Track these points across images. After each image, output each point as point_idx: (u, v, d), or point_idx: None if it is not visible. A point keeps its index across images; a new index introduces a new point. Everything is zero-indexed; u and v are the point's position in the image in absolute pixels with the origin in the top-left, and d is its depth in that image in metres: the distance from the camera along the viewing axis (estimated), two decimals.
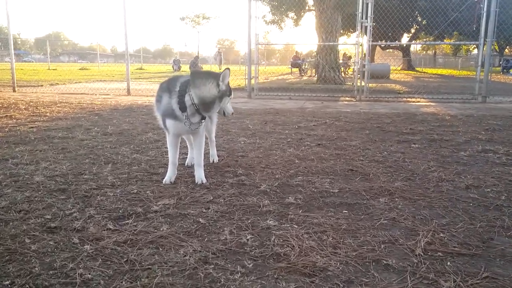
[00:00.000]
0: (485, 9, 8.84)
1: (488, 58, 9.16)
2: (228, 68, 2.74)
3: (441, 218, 2.39)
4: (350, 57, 24.72)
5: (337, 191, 2.86)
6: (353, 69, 10.35)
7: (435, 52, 49.76)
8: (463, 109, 7.59)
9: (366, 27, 9.65)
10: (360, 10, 9.68)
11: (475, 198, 2.75)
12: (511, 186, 3.01)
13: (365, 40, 10.07)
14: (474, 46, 42.97)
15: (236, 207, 2.48)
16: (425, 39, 34.66)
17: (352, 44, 11.96)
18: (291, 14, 26.67)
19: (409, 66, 33.55)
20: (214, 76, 2.72)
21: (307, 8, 24.69)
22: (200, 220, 2.25)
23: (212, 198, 2.64)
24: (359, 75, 10.17)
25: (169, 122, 2.81)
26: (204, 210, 2.41)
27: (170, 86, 2.78)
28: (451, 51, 48.05)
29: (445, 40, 31.67)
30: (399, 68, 33.75)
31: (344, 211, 2.48)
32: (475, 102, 8.87)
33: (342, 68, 19.44)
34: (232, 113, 2.97)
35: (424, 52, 52.63)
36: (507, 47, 41.07)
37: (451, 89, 12.08)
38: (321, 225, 2.24)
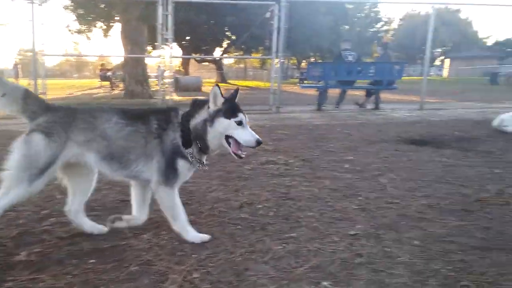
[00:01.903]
0: (275, 25, 9.58)
1: (280, 71, 10.04)
2: (217, 85, 2.15)
3: (204, 250, 2.15)
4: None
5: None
6: (158, 82, 10.04)
7: (245, 65, 53.81)
8: (260, 120, 8.01)
9: (167, 39, 9.48)
10: (160, 22, 9.44)
11: (245, 218, 2.64)
12: (282, 199, 3.05)
13: (167, 53, 9.89)
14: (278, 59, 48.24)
15: None
16: (236, 53, 37.08)
17: (156, 57, 11.64)
18: (100, 24, 24.97)
19: (222, 79, 35.31)
20: (207, 101, 2.20)
21: (116, 18, 23.50)
22: None
23: None
24: (163, 88, 9.91)
25: (182, 164, 2.20)
26: None
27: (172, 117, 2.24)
28: (259, 65, 52.74)
29: (252, 55, 34.38)
30: (213, 81, 35.24)
31: (92, 260, 2.02)
32: (271, 112, 9.56)
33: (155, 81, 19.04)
34: (259, 142, 2.14)
35: (237, 65, 56.49)
36: (304, 60, 47.02)
37: (254, 100, 12.84)
38: None
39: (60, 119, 2.15)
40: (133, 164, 2.20)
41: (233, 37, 32.06)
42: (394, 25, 58.23)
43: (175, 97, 14.42)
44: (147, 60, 14.84)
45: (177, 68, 37.36)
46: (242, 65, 54.40)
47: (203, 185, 3.38)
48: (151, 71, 21.14)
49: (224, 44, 35.55)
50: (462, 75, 37.64)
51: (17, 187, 2.00)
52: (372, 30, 47.07)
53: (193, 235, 2.27)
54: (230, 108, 2.16)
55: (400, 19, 57.56)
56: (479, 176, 3.66)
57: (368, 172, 3.85)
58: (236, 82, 35.43)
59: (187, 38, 32.18)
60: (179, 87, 19.93)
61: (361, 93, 10.98)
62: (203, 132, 2.17)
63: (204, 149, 2.22)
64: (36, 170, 2.03)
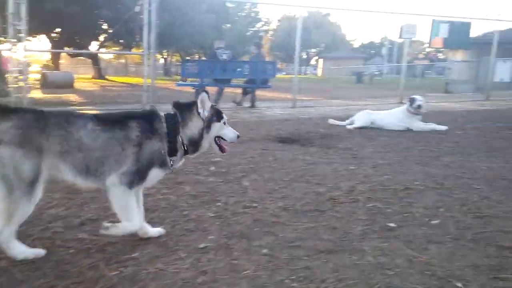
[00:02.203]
0: (145, 20, 9.03)
1: (153, 67, 9.56)
2: (205, 90, 2.22)
3: (17, 285, 1.77)
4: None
5: None
6: (13, 78, 8.79)
7: (126, 61, 51.08)
8: None
9: (20, 30, 8.33)
10: (11, 11, 8.25)
11: (83, 238, 2.31)
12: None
13: (21, 45, 8.69)
14: (161, 56, 46.83)
15: None
16: (116, 48, 34.92)
17: (6, 50, 10.19)
18: None
19: (99, 74, 32.93)
20: (193, 106, 2.23)
21: None
22: None
23: None
24: (20, 85, 8.71)
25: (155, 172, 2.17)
26: None
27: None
28: (141, 60, 50.73)
29: (133, 50, 32.65)
30: (89, 76, 32.75)
31: None
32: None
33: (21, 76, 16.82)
34: (238, 136, 2.36)
35: (117, 60, 53.34)
36: (187, 58, 46.47)
37: (128, 98, 12.20)
38: None
39: (30, 123, 1.91)
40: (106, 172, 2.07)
41: (110, 31, 30.06)
42: (273, 25, 60.87)
43: (38, 94, 12.95)
44: (7, 54, 12.83)
45: (45, 63, 33.85)
46: (123, 61, 51.56)
47: (41, 201, 2.89)
48: (14, 66, 18.58)
49: (101, 38, 33.19)
50: (333, 74, 40.95)
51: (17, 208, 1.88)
52: (252, 29, 48.47)
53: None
54: (217, 111, 2.28)
55: (278, 20, 60.31)
56: (335, 173, 3.82)
57: (232, 174, 3.75)
58: (115, 78, 33.46)
59: (58, 30, 29.31)
60: (46, 83, 18.00)
61: (240, 91, 11.07)
62: (200, 139, 2.23)
63: (192, 152, 2.27)
64: (24, 185, 1.88)
